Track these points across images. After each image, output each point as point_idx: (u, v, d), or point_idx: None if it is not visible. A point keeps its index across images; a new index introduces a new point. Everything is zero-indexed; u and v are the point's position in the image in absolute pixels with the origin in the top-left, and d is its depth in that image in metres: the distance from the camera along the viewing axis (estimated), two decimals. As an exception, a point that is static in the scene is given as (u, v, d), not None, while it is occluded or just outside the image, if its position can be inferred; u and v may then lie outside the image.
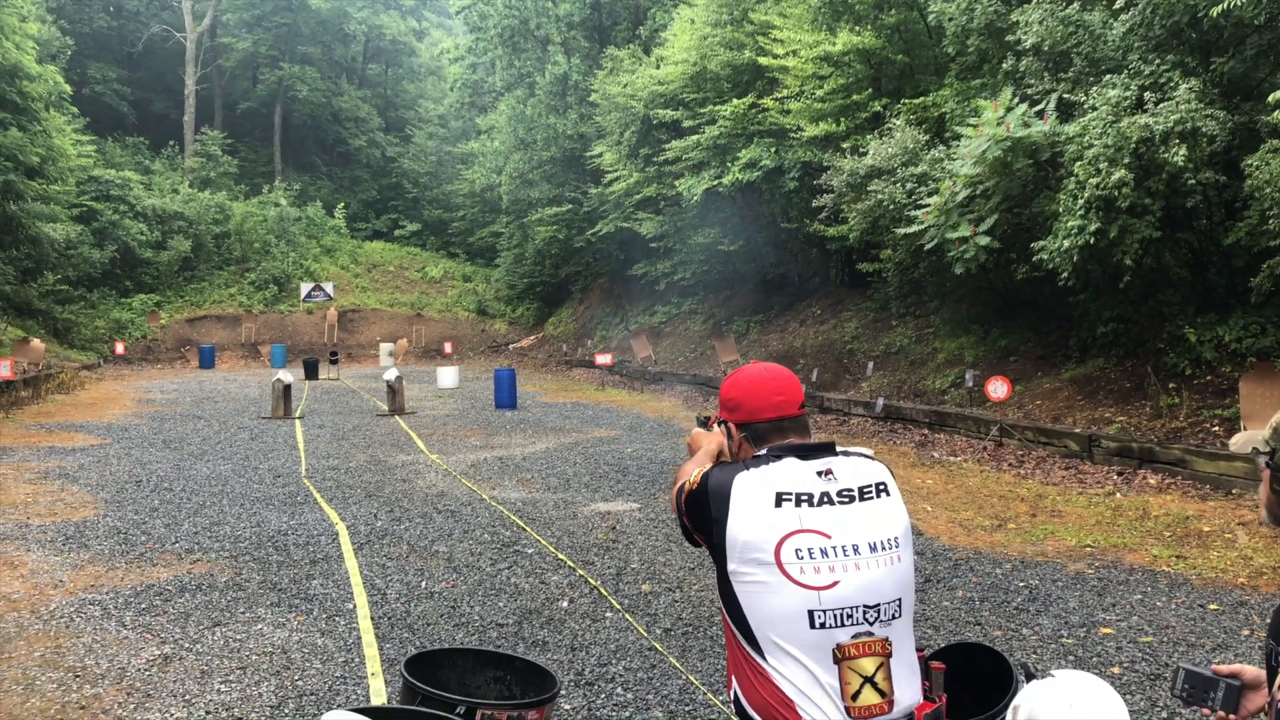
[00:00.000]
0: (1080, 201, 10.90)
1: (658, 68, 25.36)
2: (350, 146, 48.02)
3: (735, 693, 2.07)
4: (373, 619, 5.75)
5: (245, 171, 43.52)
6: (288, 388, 16.94)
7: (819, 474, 2.02)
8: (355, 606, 6.00)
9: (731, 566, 1.99)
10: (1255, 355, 10.52)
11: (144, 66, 46.78)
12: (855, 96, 18.92)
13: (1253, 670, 1.86)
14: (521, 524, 8.28)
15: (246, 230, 37.07)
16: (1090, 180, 10.80)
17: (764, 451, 2.10)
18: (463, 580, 6.60)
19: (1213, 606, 5.78)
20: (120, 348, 30.81)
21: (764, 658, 1.97)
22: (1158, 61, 11.66)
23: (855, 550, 1.97)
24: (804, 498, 1.98)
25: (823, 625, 1.93)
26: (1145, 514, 8.21)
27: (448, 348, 32.77)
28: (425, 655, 3.20)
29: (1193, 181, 10.46)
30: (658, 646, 5.29)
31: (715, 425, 2.35)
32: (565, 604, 6.07)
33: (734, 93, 22.23)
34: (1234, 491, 8.75)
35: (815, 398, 16.20)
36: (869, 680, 1.95)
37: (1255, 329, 10.81)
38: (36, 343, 23.04)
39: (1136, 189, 10.55)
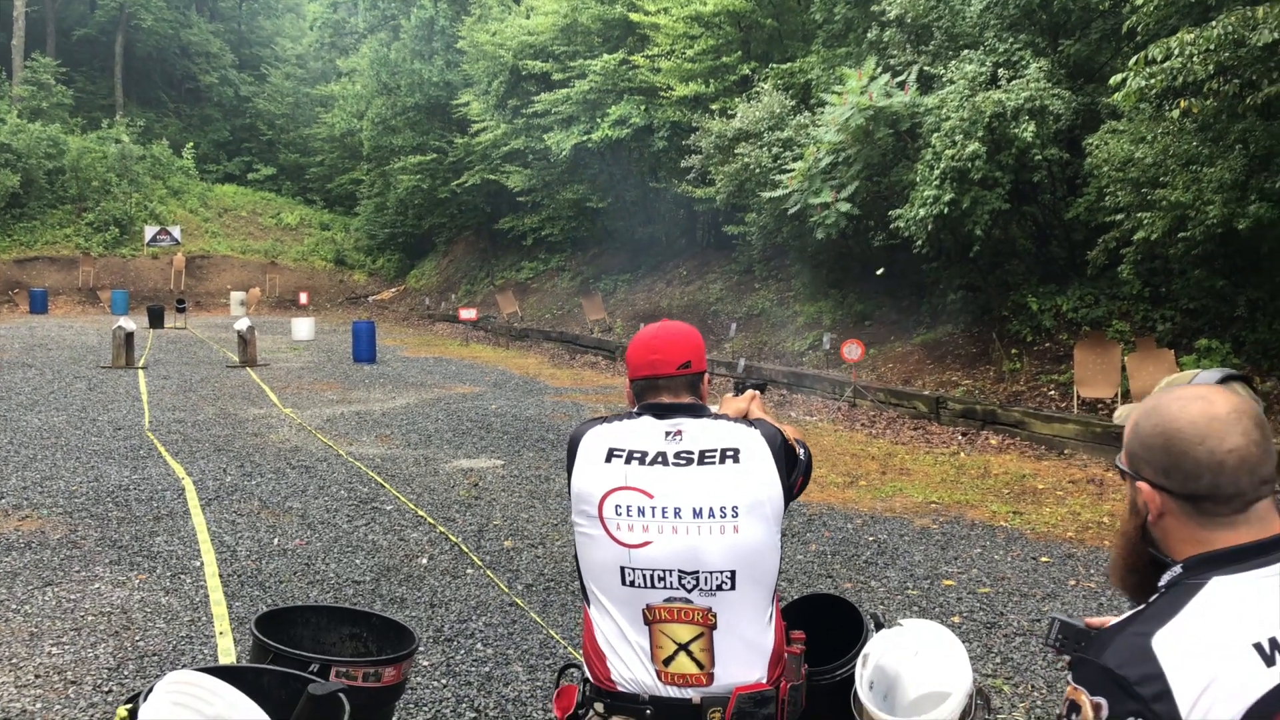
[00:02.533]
0: (936, 172, 11.31)
1: (528, 18, 24.88)
2: (200, 83, 45.33)
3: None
4: (221, 576, 5.53)
5: (82, 104, 40.50)
6: (130, 336, 16.02)
7: (667, 434, 2.00)
8: (203, 564, 5.75)
9: (572, 516, 2.04)
10: (1089, 324, 11.20)
11: (-34, -17, 42.87)
12: (725, 58, 19.07)
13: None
14: (380, 480, 8.10)
15: (84, 167, 34.58)
16: (946, 151, 11.21)
17: (635, 409, 2.10)
18: (318, 537, 6.42)
19: (1044, 559, 6.17)
20: (-63, 289, 28.44)
21: (589, 606, 2.02)
22: (1011, 40, 12.15)
23: (676, 513, 1.92)
24: (635, 455, 1.97)
25: (632, 584, 1.93)
26: (986, 472, 8.67)
27: (303, 298, 31.60)
28: (277, 613, 3.08)
29: (1039, 157, 10.99)
30: (519, 602, 5.28)
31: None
32: (425, 561, 5.99)
33: (605, 48, 22.05)
34: (1066, 452, 9.34)
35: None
36: (684, 648, 1.92)
37: (1090, 299, 11.50)
38: None
39: (988, 162, 11.01)
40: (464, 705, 4.07)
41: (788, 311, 17.03)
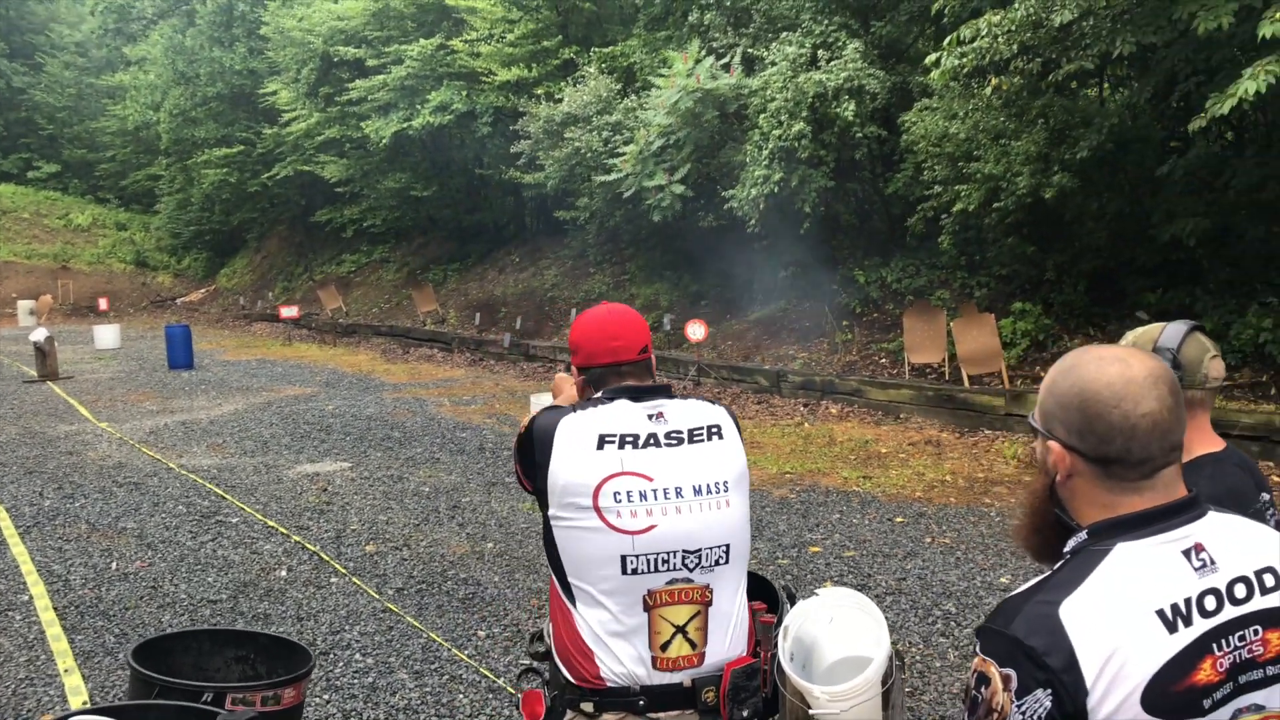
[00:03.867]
0: (765, 152, 11.61)
1: (336, 2, 23.90)
2: (-36, 73, 41.29)
3: (548, 638, 2.02)
4: (56, 609, 5.06)
5: None
6: (-94, 354, 14.45)
7: (649, 416, 1.96)
8: (31, 598, 5.25)
9: (552, 511, 1.92)
10: (913, 294, 11.79)
11: None
12: (545, 42, 18.92)
13: None
14: (220, 492, 7.63)
15: None
16: (774, 132, 11.53)
17: (599, 394, 2.03)
18: (160, 557, 5.98)
19: (899, 519, 6.46)
20: None
21: (574, 605, 1.92)
22: (826, 22, 12.59)
23: (678, 493, 1.91)
24: (628, 439, 1.92)
25: (635, 571, 1.88)
26: (832, 440, 9.00)
27: (103, 304, 29.35)
28: (153, 642, 2.85)
29: (860, 135, 11.45)
30: (392, 607, 5.09)
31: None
32: (284, 573, 5.68)
33: (420, 32, 21.44)
34: (902, 416, 9.81)
35: (520, 345, 16.23)
36: (680, 630, 1.91)
37: (912, 270, 12.11)
38: None
39: (813, 141, 11.40)
40: (353, 719, 3.88)
41: (624, 295, 17.13)
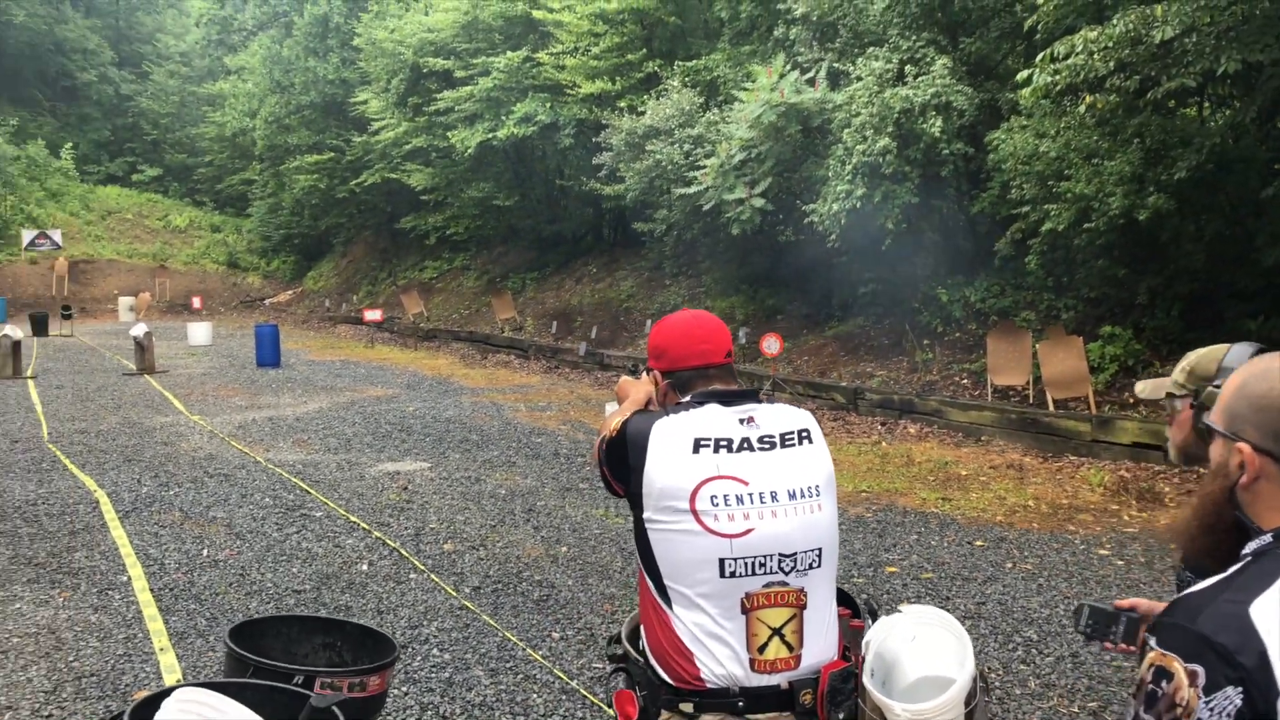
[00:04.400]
0: (848, 167, 11.54)
1: (427, 14, 24.44)
2: (77, 81, 43.20)
3: (642, 642, 2.03)
4: (152, 591, 5.27)
5: (-53, 102, 38.26)
6: (17, 344, 15.17)
7: (741, 420, 1.97)
8: (130, 579, 5.48)
9: (647, 514, 1.94)
10: (997, 314, 11.58)
11: None
12: (630, 56, 19.09)
13: (1147, 602, 2.01)
14: (305, 486, 7.85)
15: (-48, 169, 32.68)
16: (857, 147, 11.45)
17: (687, 399, 2.06)
18: (248, 547, 6.18)
19: (979, 543, 6.34)
20: None
21: (670, 606, 1.93)
22: (914, 38, 12.47)
23: (773, 497, 1.92)
24: (723, 443, 1.93)
25: (733, 574, 1.89)
26: (910, 460, 8.88)
27: (196, 302, 30.42)
28: (248, 624, 2.97)
29: (946, 151, 11.30)
30: (469, 605, 5.18)
31: (645, 373, 2.27)
32: (365, 567, 5.82)
33: (507, 45, 21.81)
34: (983, 438, 9.63)
35: (595, 354, 16.36)
36: (777, 632, 1.92)
37: (996, 290, 11.89)
38: None
39: (898, 157, 11.29)
40: (430, 713, 3.96)
41: (699, 307, 17.09)
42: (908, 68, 11.97)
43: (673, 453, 1.92)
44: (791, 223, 13.66)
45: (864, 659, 2.16)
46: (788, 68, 13.43)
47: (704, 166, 14.06)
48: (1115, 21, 8.22)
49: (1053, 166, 9.85)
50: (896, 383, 11.68)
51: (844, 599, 2.31)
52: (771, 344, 12.41)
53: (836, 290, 14.46)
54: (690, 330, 2.10)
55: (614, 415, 2.14)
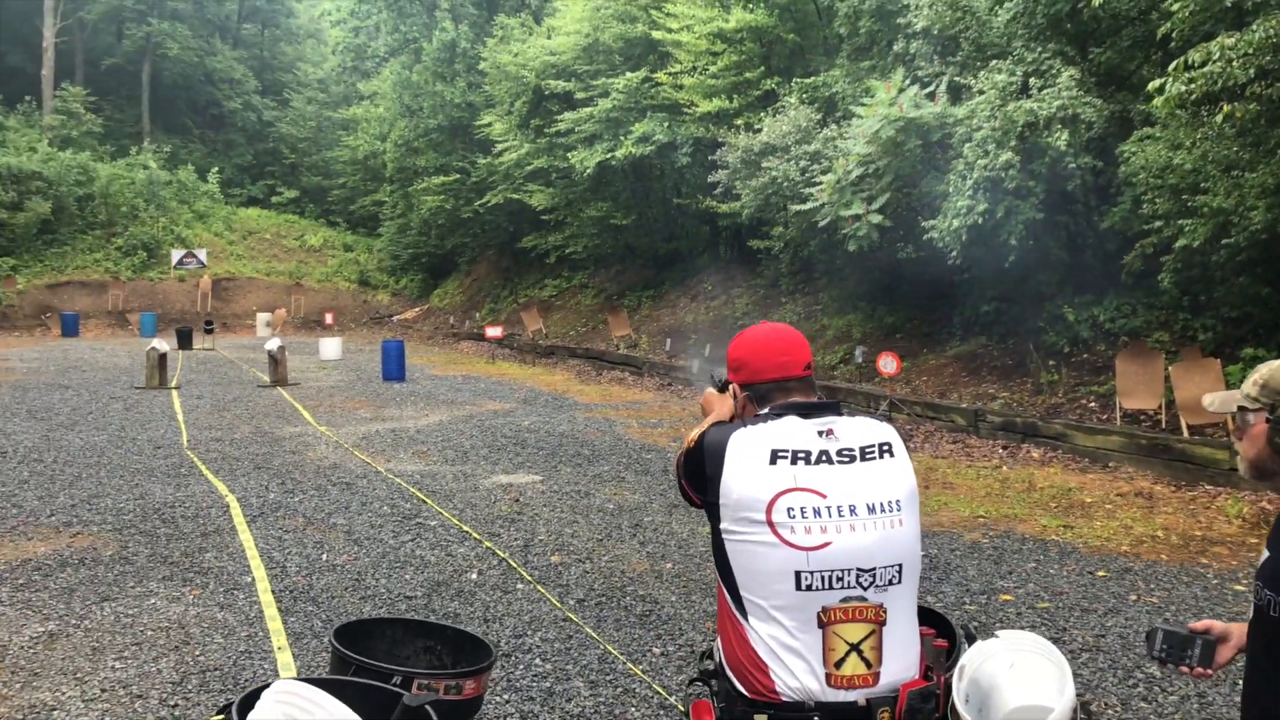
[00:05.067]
0: (969, 182, 11.26)
1: (549, 38, 25.04)
2: (224, 109, 45.83)
3: (718, 652, 2.04)
4: (274, 592, 5.52)
5: (111, 132, 41.00)
6: (163, 357, 16.13)
7: (819, 433, 1.96)
8: (254, 580, 5.75)
9: (724, 525, 1.94)
10: (1128, 335, 11.08)
11: (-4, 16, 43.55)
12: (748, 74, 19.10)
13: (1221, 624, 1.91)
14: (421, 496, 8.08)
15: (113, 193, 34.98)
16: (979, 161, 11.16)
17: (766, 410, 2.06)
18: (365, 553, 6.40)
19: (1101, 573, 6.07)
20: (-30, 314, 28.84)
21: (746, 618, 1.92)
22: (1040, 49, 12.11)
23: (852, 511, 1.90)
24: (801, 455, 1.92)
25: (809, 587, 1.87)
26: (1031, 486, 8.56)
27: (328, 319, 31.78)
28: (353, 625, 3.08)
29: (1073, 165, 10.91)
30: (572, 617, 5.24)
31: (727, 387, 2.28)
32: (474, 576, 5.96)
33: (627, 66, 22.13)
34: (1111, 464, 9.22)
35: (708, 371, 16.35)
36: (855, 648, 1.89)
37: (1127, 309, 11.38)
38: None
39: (1021, 171, 10.96)
40: (529, 720, 4.03)
41: (815, 325, 16.97)
42: (1032, 80, 11.63)
43: (750, 464, 1.92)
44: (911, 239, 13.39)
45: (957, 683, 2.11)
46: (907, 82, 13.22)
47: (820, 183, 13.94)
48: (1255, 27, 7.82)
49: (1188, 179, 9.41)
50: (1019, 405, 11.29)
51: (928, 618, 2.26)
52: (888, 363, 12.18)
53: (957, 308, 14.10)
54: (769, 342, 2.10)
55: (695, 428, 2.16)
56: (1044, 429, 10.19)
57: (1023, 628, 5.10)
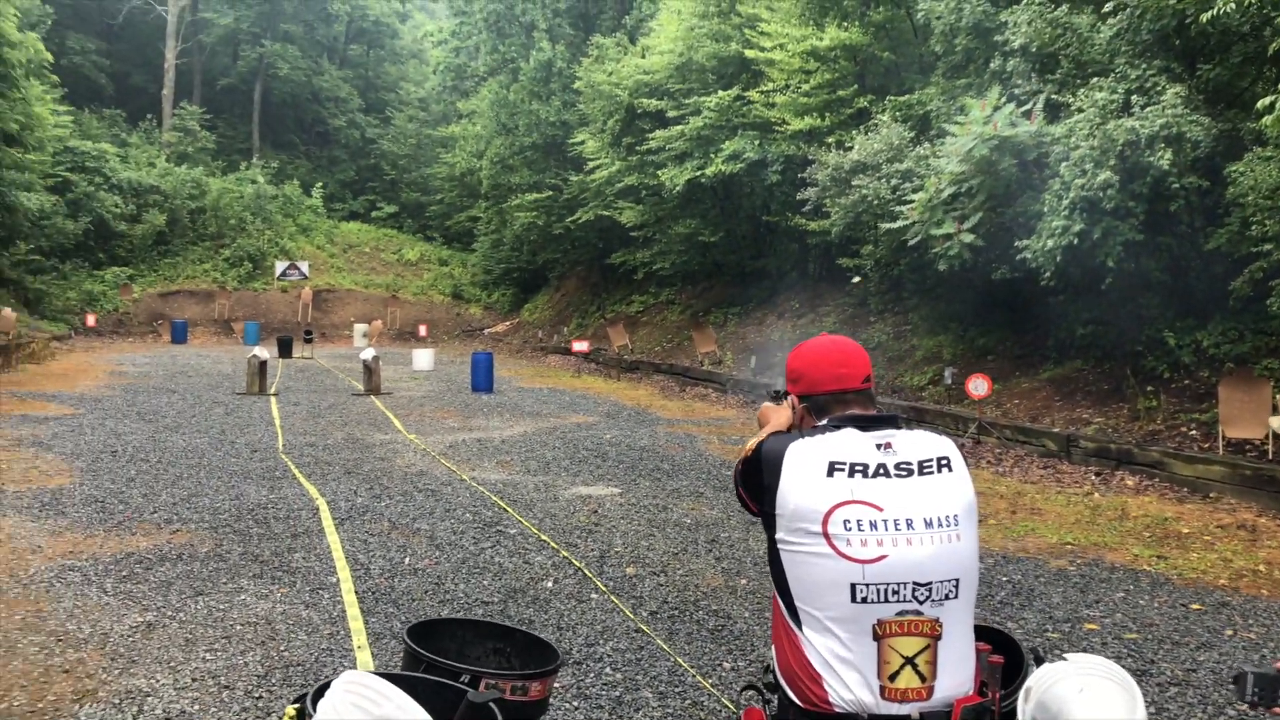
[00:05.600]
0: (1065, 202, 10.98)
1: (643, 57, 25.27)
2: (329, 126, 47.51)
3: (772, 661, 2.05)
4: (357, 593, 5.69)
5: (223, 148, 42.91)
6: (263, 364, 16.76)
7: (878, 446, 1.97)
8: (338, 580, 5.93)
9: (779, 535, 1.96)
10: (1233, 361, 10.65)
11: (123, 39, 45.96)
12: (840, 92, 18.98)
13: None
14: (503, 505, 8.23)
15: (223, 206, 36.61)
16: (1076, 181, 10.88)
17: (824, 422, 2.07)
18: (446, 558, 6.55)
19: (1195, 606, 5.84)
20: (91, 320, 30.42)
21: (800, 628, 1.93)
22: (1144, 66, 11.76)
23: (909, 525, 1.90)
24: (858, 468, 1.93)
25: (864, 600, 1.88)
26: (1124, 514, 8.28)
27: (422, 330, 32.58)
28: (426, 624, 3.16)
29: (1177, 186, 10.56)
30: (644, 629, 5.28)
31: (786, 399, 2.30)
32: (550, 584, 6.04)
33: (719, 84, 22.20)
34: (1211, 495, 8.86)
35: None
36: (910, 661, 1.89)
37: (1233, 335, 10.94)
38: (8, 312, 22.61)
39: (1121, 191, 10.64)
40: (596, 727, 4.07)
41: (905, 345, 16.71)
42: (1134, 98, 11.30)
43: (806, 475, 1.93)
44: (1004, 259, 13.11)
45: (1023, 704, 2.08)
46: (1003, 100, 12.96)
47: (911, 201, 13.75)
48: (1374, 41, 7.47)
49: (1300, 201, 9.02)
50: (1115, 431, 10.94)
51: (985, 634, 2.24)
52: (979, 385, 11.93)
53: (1052, 331, 13.73)
54: (827, 354, 2.11)
55: (753, 438, 2.18)
56: (1140, 456, 9.85)
57: (1108, 657, 4.95)
